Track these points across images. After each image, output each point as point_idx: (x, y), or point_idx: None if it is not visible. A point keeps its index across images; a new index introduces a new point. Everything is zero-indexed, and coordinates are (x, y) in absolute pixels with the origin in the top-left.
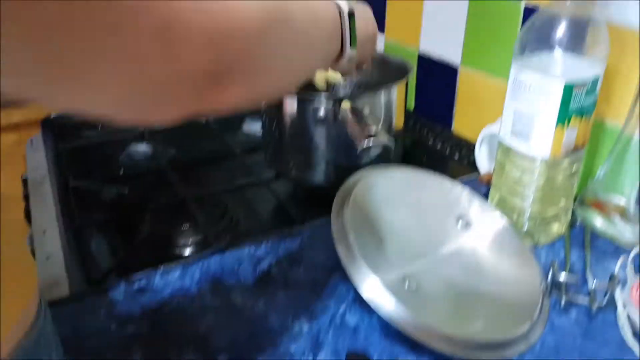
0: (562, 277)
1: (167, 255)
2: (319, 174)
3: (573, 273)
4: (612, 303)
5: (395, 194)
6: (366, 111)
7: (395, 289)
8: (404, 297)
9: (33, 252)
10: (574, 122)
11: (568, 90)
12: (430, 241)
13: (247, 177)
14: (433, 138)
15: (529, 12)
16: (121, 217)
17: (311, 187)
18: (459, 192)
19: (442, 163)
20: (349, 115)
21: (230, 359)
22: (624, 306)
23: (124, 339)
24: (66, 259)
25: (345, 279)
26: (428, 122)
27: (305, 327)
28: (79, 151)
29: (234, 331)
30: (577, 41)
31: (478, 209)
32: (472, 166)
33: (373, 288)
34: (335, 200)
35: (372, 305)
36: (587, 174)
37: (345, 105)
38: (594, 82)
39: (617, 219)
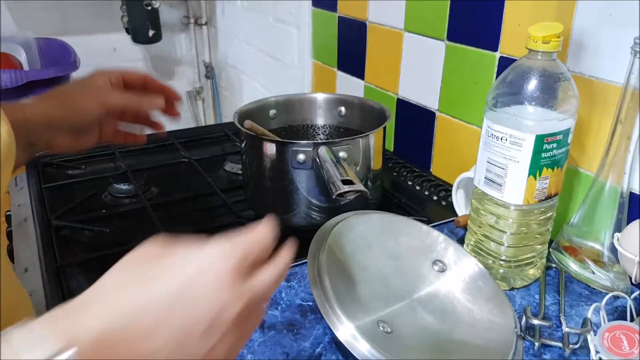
0: (536, 322)
1: None
2: (299, 215)
3: (547, 317)
4: (585, 347)
5: (372, 238)
6: (344, 156)
7: (370, 332)
8: (379, 340)
9: None
10: (546, 172)
11: (539, 142)
12: (406, 285)
13: (227, 216)
14: (412, 179)
15: (504, 61)
16: (102, 256)
17: (291, 228)
18: (434, 237)
19: (420, 204)
20: (326, 161)
21: None
22: (597, 351)
23: None
24: (47, 297)
25: (321, 320)
26: (407, 163)
27: None
28: (63, 189)
29: None
30: (548, 95)
31: (453, 254)
32: (450, 207)
33: (348, 332)
34: (311, 244)
35: (348, 347)
36: (562, 219)
37: (323, 150)
38: (565, 135)
39: (591, 264)
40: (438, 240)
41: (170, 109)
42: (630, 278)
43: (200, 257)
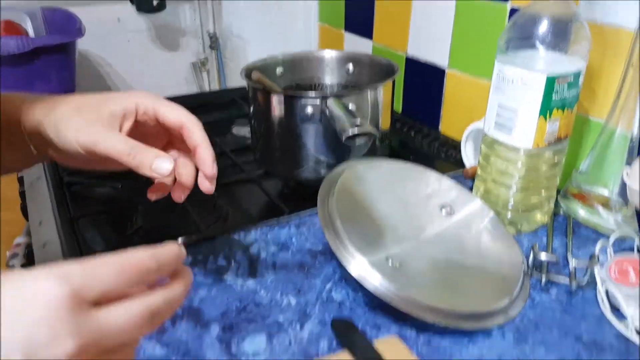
0: (543, 256)
1: (158, 243)
2: (308, 170)
3: (554, 254)
4: (591, 283)
5: (380, 183)
6: (352, 108)
7: (380, 267)
8: (389, 274)
9: (29, 245)
10: (556, 114)
11: (550, 83)
12: (414, 227)
13: (237, 175)
14: (420, 138)
15: (515, 13)
16: (114, 210)
17: (300, 183)
18: (443, 183)
19: (429, 161)
20: (335, 109)
21: (222, 327)
22: (603, 283)
23: None
24: (62, 246)
25: (331, 261)
26: (415, 123)
27: (293, 302)
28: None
29: (225, 304)
30: (559, 38)
31: (461, 199)
32: (459, 163)
33: (359, 266)
34: (320, 188)
35: (359, 281)
36: (571, 167)
37: (332, 102)
38: (576, 76)
39: (600, 209)
40: (446, 185)
41: (199, 179)
42: (639, 220)
43: (32, 275)
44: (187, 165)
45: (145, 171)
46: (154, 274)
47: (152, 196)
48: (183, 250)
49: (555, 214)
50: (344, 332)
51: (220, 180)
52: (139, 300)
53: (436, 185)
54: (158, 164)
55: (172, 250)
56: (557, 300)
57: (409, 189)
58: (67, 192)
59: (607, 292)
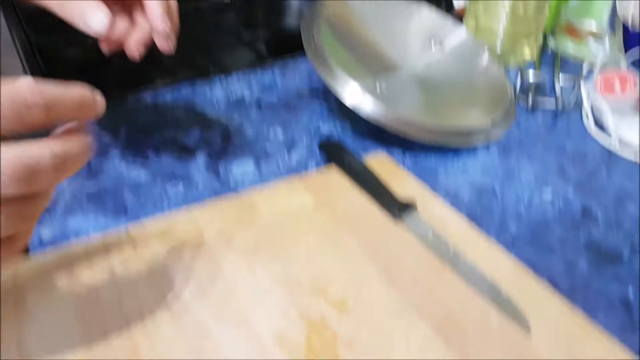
0: (531, 76)
1: (138, 87)
2: (290, 20)
3: (541, 74)
4: (578, 104)
5: (368, 14)
6: None
7: (369, 90)
8: (378, 96)
9: None
10: None
11: None
12: (403, 57)
13: (215, 35)
14: None
15: None
16: (90, 68)
17: (284, 35)
18: (433, 16)
19: None
20: None
21: (208, 154)
22: (588, 97)
23: (103, 145)
24: None
25: (318, 98)
26: None
27: (280, 134)
28: (41, 14)
29: (208, 136)
30: None
31: (451, 31)
32: (449, 9)
33: (348, 89)
34: (303, 17)
35: (352, 108)
36: (560, 7)
37: None
38: None
39: (590, 41)
40: (437, 18)
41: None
42: (625, 45)
43: None
44: (143, 18)
45: (79, 25)
46: (38, 113)
47: (105, 47)
48: (96, 97)
49: (543, 53)
50: (333, 152)
51: (198, 39)
52: (8, 144)
53: (426, 17)
54: (89, 17)
55: (72, 90)
56: (543, 123)
57: (398, 20)
58: (38, 55)
59: (592, 109)
